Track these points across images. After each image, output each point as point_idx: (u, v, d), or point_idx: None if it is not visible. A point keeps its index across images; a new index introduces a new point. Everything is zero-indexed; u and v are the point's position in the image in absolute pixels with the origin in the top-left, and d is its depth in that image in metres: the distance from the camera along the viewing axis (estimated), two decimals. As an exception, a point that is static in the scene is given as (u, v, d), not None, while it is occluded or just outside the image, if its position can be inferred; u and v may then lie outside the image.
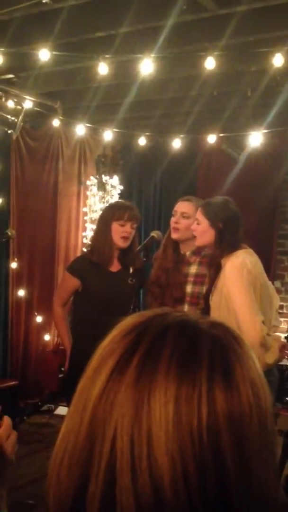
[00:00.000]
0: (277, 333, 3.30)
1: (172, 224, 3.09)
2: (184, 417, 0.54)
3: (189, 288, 3.04)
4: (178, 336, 0.59)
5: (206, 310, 2.88)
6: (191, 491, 0.53)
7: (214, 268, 2.79)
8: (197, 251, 3.08)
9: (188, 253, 3.10)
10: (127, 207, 3.22)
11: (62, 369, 3.89)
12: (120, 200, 4.99)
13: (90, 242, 3.32)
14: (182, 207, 3.09)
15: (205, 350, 0.57)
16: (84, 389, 0.60)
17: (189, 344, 0.58)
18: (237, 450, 0.54)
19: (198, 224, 2.79)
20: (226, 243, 2.70)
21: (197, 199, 3.19)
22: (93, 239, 3.29)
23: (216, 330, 0.61)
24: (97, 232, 3.26)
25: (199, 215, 2.79)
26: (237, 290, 2.57)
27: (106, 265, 3.11)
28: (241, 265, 2.59)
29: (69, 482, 0.58)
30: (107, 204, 3.49)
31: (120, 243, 3.08)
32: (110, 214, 3.16)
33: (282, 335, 3.94)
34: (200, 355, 0.57)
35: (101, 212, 3.44)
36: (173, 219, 3.10)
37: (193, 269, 3.07)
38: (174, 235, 3.07)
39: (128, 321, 0.63)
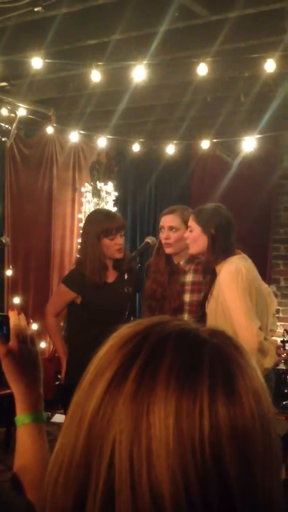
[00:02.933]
0: (274, 338, 3.30)
1: (163, 240, 3.05)
2: (185, 431, 0.52)
3: (187, 297, 3.02)
4: (178, 346, 0.57)
5: (202, 317, 2.88)
6: (193, 506, 0.51)
7: (209, 274, 2.79)
8: (191, 259, 3.07)
9: (182, 263, 3.08)
10: (112, 218, 3.07)
11: (59, 376, 3.87)
12: (100, 209, 4.83)
13: (79, 257, 3.16)
14: (168, 221, 3.06)
15: (206, 361, 0.56)
16: (80, 403, 0.58)
17: (190, 354, 0.56)
18: (240, 462, 0.53)
19: (190, 231, 2.79)
20: (219, 248, 2.69)
21: (181, 208, 3.16)
22: (82, 255, 3.12)
23: (217, 339, 0.59)
24: (85, 248, 3.09)
25: (191, 222, 2.79)
26: (233, 297, 2.57)
27: (100, 279, 3.04)
28: (235, 271, 2.59)
29: (66, 500, 0.56)
30: (89, 217, 3.26)
31: (116, 254, 3.02)
32: (96, 230, 2.99)
33: (279, 339, 3.94)
34: (201, 366, 0.55)
35: (84, 225, 3.24)
36: (162, 235, 3.06)
37: (189, 278, 3.05)
38: (168, 251, 3.04)
39: (125, 331, 0.60)
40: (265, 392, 0.58)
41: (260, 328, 2.57)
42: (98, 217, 3.14)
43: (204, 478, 0.51)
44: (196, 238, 2.76)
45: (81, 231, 3.97)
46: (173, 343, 0.57)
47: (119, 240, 3.02)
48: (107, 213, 3.25)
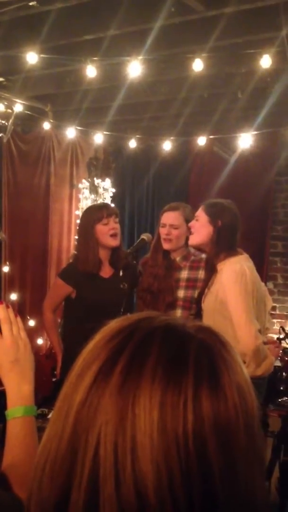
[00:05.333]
0: (270, 335, 3.30)
1: (163, 236, 3.06)
2: (169, 424, 0.53)
3: (181, 293, 3.03)
4: (164, 341, 0.57)
5: (198, 312, 2.88)
6: (176, 499, 0.52)
7: (209, 269, 2.78)
8: (187, 256, 3.09)
9: (178, 259, 3.10)
10: (103, 205, 3.22)
11: (56, 372, 3.88)
12: (94, 204, 4.95)
13: (75, 253, 3.23)
14: (170, 219, 3.07)
15: (192, 355, 0.56)
16: (67, 395, 0.59)
17: (176, 349, 0.57)
18: (223, 455, 0.53)
19: (197, 220, 2.79)
20: (223, 242, 2.68)
21: (182, 206, 3.18)
22: (78, 249, 3.21)
23: (204, 334, 0.60)
24: (79, 242, 3.18)
25: (200, 212, 2.78)
26: (235, 298, 2.57)
27: (94, 273, 3.06)
28: (240, 271, 2.58)
29: (51, 491, 0.56)
30: (83, 211, 3.40)
31: (111, 242, 3.03)
32: (88, 219, 3.08)
33: (275, 336, 3.94)
34: (187, 360, 0.56)
35: (80, 220, 3.36)
36: (163, 231, 3.07)
37: (184, 274, 3.06)
38: (167, 246, 3.06)
39: (112, 325, 0.62)
40: (250, 388, 0.59)
41: (259, 330, 2.57)
42: (90, 209, 3.29)
43: (187, 470, 0.52)
44: (200, 228, 2.75)
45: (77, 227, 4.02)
46: (160, 338, 0.58)
47: (113, 224, 3.04)
48: (97, 204, 3.36)
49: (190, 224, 2.84)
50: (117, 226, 3.07)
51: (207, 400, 0.54)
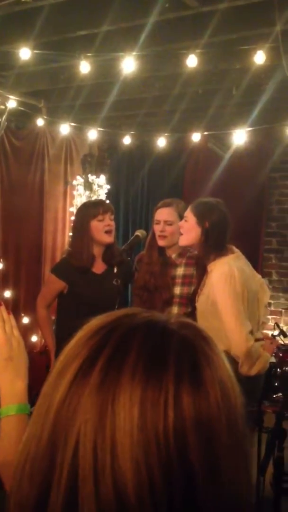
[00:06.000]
0: (265, 331, 3.31)
1: (158, 233, 3.06)
2: (149, 421, 0.52)
3: (177, 290, 3.04)
4: (145, 338, 0.57)
5: (193, 311, 2.88)
6: (156, 497, 0.51)
7: (200, 270, 2.78)
8: (183, 253, 3.09)
9: (174, 256, 3.10)
10: (99, 202, 3.25)
11: (50, 369, 3.87)
12: (89, 200, 4.96)
13: (69, 248, 3.23)
14: (164, 215, 3.07)
15: (173, 352, 0.56)
16: (47, 394, 0.58)
17: (157, 345, 0.56)
18: (204, 452, 0.53)
19: (185, 221, 2.78)
20: (211, 243, 2.68)
21: (176, 201, 3.18)
22: (71, 244, 3.22)
23: (186, 330, 0.59)
24: (73, 237, 3.19)
25: (188, 213, 2.78)
26: (224, 300, 2.57)
27: (88, 268, 3.07)
28: (228, 273, 2.58)
29: (31, 490, 0.56)
30: (79, 207, 3.42)
31: (105, 238, 3.04)
32: (84, 215, 3.09)
33: (270, 332, 3.95)
34: (168, 357, 0.55)
35: (75, 216, 3.37)
36: (157, 227, 3.07)
37: (180, 271, 3.07)
38: (162, 243, 3.06)
39: (94, 323, 0.61)
40: (233, 384, 0.58)
41: (251, 332, 2.58)
42: (86, 204, 3.32)
43: (167, 468, 0.51)
44: (189, 229, 2.75)
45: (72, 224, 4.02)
46: (141, 334, 0.57)
47: (108, 221, 3.05)
48: (93, 201, 3.36)
49: (180, 224, 2.84)
50: (112, 223, 3.08)
51: (188, 396, 0.53)
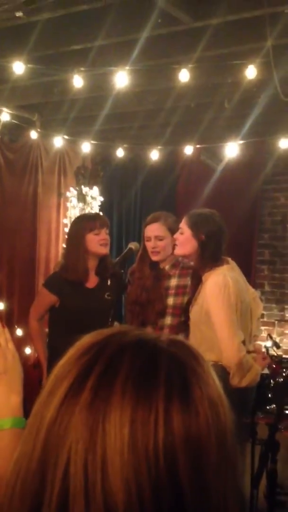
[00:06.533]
0: (258, 342, 3.31)
1: (150, 249, 3.06)
2: (140, 440, 0.52)
3: (170, 301, 3.03)
4: (135, 356, 0.57)
5: (186, 321, 2.88)
6: None
7: (195, 279, 2.79)
8: (176, 264, 3.09)
9: (167, 267, 3.10)
10: (95, 216, 3.26)
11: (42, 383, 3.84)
12: (84, 213, 4.94)
13: (63, 261, 3.21)
14: (154, 231, 3.07)
15: (163, 370, 0.56)
16: (38, 412, 0.58)
17: (146, 364, 0.56)
18: (194, 471, 0.53)
19: (181, 233, 2.79)
20: (208, 256, 2.68)
21: (164, 215, 3.18)
22: (66, 256, 3.20)
23: (175, 348, 0.59)
24: (69, 249, 3.17)
25: (183, 225, 2.78)
26: (218, 310, 2.57)
27: (82, 282, 3.06)
28: (223, 284, 2.58)
29: (22, 508, 0.56)
30: (74, 219, 3.41)
31: (101, 250, 3.05)
32: (80, 228, 3.09)
33: (262, 344, 3.95)
34: (158, 375, 0.55)
35: (70, 228, 3.37)
36: (149, 244, 3.07)
37: (173, 282, 3.07)
38: (156, 258, 3.06)
39: (84, 341, 0.61)
40: (223, 401, 0.59)
41: (243, 342, 2.58)
42: (82, 217, 3.35)
43: (157, 487, 0.51)
44: (185, 241, 2.76)
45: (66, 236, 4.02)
46: (131, 353, 0.57)
47: (104, 235, 3.06)
48: (90, 214, 3.36)
49: (175, 236, 2.85)
50: (108, 237, 3.09)
51: (178, 415, 0.53)
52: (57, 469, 0.53)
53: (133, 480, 0.51)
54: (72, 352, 0.61)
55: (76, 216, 5.59)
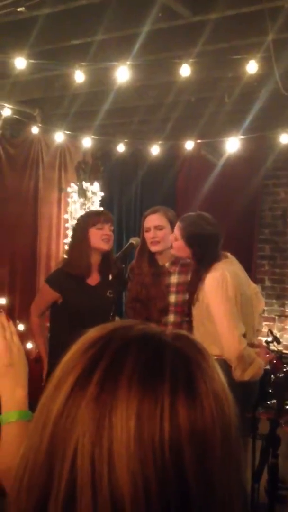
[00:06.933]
0: (259, 338, 3.32)
1: (149, 240, 3.04)
2: (146, 433, 0.53)
3: (172, 298, 3.03)
4: (141, 350, 0.57)
5: (189, 319, 2.89)
6: (152, 508, 0.52)
7: (195, 278, 2.80)
8: (176, 261, 3.08)
9: (167, 264, 3.09)
10: (101, 212, 3.28)
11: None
12: (91, 210, 4.99)
13: (67, 255, 3.23)
14: (153, 220, 3.07)
15: (168, 364, 0.56)
16: (45, 406, 0.59)
17: (152, 358, 0.57)
18: (199, 464, 0.54)
19: (175, 239, 2.80)
20: (204, 261, 2.71)
21: (163, 208, 3.18)
22: (69, 251, 3.22)
23: (180, 342, 0.60)
24: (73, 243, 3.19)
25: (177, 231, 2.80)
26: (217, 304, 2.58)
27: (84, 277, 3.06)
28: (221, 278, 2.60)
29: (29, 501, 0.56)
30: (80, 215, 3.46)
31: (103, 245, 3.05)
32: (85, 222, 3.12)
33: (263, 339, 3.96)
34: (163, 369, 0.56)
35: (75, 223, 3.41)
36: (148, 235, 3.06)
37: (174, 279, 3.06)
38: (155, 248, 3.04)
39: (89, 335, 0.62)
40: (227, 395, 0.59)
41: (244, 335, 2.58)
42: (88, 212, 3.43)
43: (163, 479, 0.52)
44: (180, 248, 2.80)
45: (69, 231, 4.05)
46: (136, 347, 0.58)
47: (107, 230, 3.07)
48: (96, 210, 3.41)
49: (171, 238, 2.86)
50: (111, 234, 3.09)
51: (184, 408, 0.54)
52: (65, 462, 0.54)
53: (139, 473, 0.52)
54: (77, 346, 0.61)
55: (76, 211, 5.62)
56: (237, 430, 0.59)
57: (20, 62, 3.40)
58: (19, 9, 3.00)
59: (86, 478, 0.53)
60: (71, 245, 3.23)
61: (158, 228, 3.04)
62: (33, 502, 0.56)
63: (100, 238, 3.03)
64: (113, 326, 0.62)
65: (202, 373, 0.57)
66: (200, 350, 0.61)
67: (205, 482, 0.54)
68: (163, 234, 3.03)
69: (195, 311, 2.75)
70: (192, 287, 2.79)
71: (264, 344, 3.47)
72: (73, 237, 3.26)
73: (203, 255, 2.70)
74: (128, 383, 0.55)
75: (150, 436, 0.53)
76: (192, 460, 0.53)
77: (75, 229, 3.24)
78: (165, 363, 0.57)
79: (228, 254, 2.80)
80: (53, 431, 0.56)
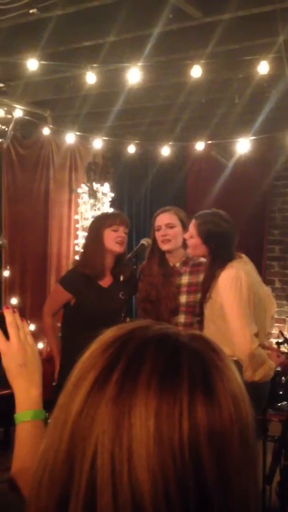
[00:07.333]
0: (270, 340, 3.31)
1: (160, 238, 3.04)
2: (165, 432, 0.53)
3: (183, 298, 3.02)
4: (159, 350, 0.58)
5: (201, 319, 2.88)
6: (172, 507, 0.52)
7: (209, 277, 2.79)
8: (187, 261, 3.07)
9: (178, 265, 3.08)
10: (117, 214, 3.24)
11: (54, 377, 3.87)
12: (109, 210, 5.01)
13: (82, 255, 3.25)
14: (164, 219, 3.07)
15: (186, 364, 0.57)
16: (64, 405, 0.59)
17: (170, 358, 0.57)
18: (217, 464, 0.54)
19: (191, 237, 2.79)
20: (220, 259, 2.70)
21: (174, 208, 3.18)
22: (85, 250, 3.23)
23: (197, 343, 0.60)
24: (88, 243, 3.20)
25: (192, 229, 2.78)
26: (230, 302, 2.57)
27: (98, 277, 3.07)
28: (235, 276, 2.59)
29: (49, 500, 0.57)
30: (96, 215, 3.47)
31: (116, 248, 3.05)
32: (100, 223, 3.12)
33: (273, 341, 3.95)
34: (181, 369, 0.56)
35: (91, 223, 3.42)
36: (159, 233, 3.05)
37: (185, 280, 3.05)
38: (166, 247, 3.03)
39: (107, 335, 0.62)
40: (244, 396, 0.60)
41: (256, 335, 2.57)
42: (104, 213, 3.44)
43: (182, 479, 0.52)
44: (196, 246, 2.78)
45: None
46: (154, 347, 0.58)
47: (122, 233, 3.07)
48: (113, 211, 3.43)
49: (185, 237, 2.85)
50: (125, 236, 3.09)
51: (202, 408, 0.54)
52: (84, 461, 0.55)
53: (159, 472, 0.52)
54: (95, 346, 0.62)
55: (87, 212, 5.64)
56: (254, 432, 0.60)
57: (32, 64, 3.43)
58: (31, 11, 3.02)
59: (106, 477, 0.53)
60: (86, 244, 3.26)
61: (169, 226, 3.03)
62: (54, 500, 0.56)
63: (114, 240, 3.04)
64: (131, 327, 0.63)
65: (219, 373, 0.58)
66: (217, 351, 0.61)
67: (223, 482, 0.54)
68: (174, 232, 3.02)
69: (207, 309, 2.74)
70: (206, 285, 2.77)
71: (275, 346, 3.46)
72: (88, 236, 3.28)
73: (219, 253, 2.69)
74: (147, 382, 0.55)
75: (169, 436, 0.53)
76: (211, 459, 0.53)
77: (91, 228, 3.25)
78: (183, 363, 0.57)
79: (242, 254, 2.79)
80: (72, 430, 0.57)
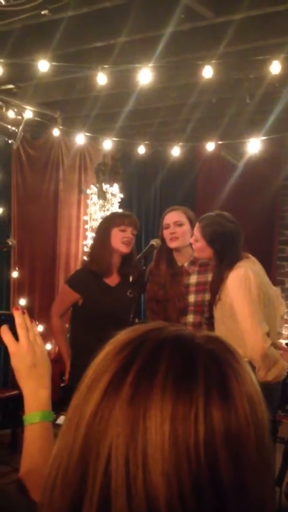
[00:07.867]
0: (280, 340, 3.29)
1: (168, 236, 3.03)
2: (180, 436, 0.52)
3: (192, 298, 3.02)
4: (174, 352, 0.57)
5: (210, 320, 2.87)
6: (187, 510, 0.52)
7: (218, 278, 2.78)
8: (195, 261, 3.07)
9: (186, 264, 3.08)
10: (127, 214, 3.24)
11: (64, 377, 3.88)
12: (119, 210, 5.02)
13: (89, 251, 3.29)
14: (173, 217, 3.07)
15: (201, 366, 0.56)
16: (78, 407, 0.59)
17: (185, 360, 0.57)
18: (234, 467, 0.53)
19: (196, 240, 2.79)
20: (226, 261, 2.70)
21: (183, 207, 3.18)
22: (92, 247, 3.28)
23: (212, 344, 0.60)
24: (96, 241, 3.24)
25: (197, 233, 2.78)
26: (240, 302, 2.57)
27: (105, 275, 3.07)
28: (244, 276, 2.58)
29: (62, 503, 0.56)
30: (107, 214, 3.48)
31: (122, 248, 3.05)
32: (109, 222, 3.15)
33: (284, 342, 3.93)
34: (196, 371, 0.56)
35: (101, 221, 3.46)
36: (167, 231, 3.05)
37: (193, 279, 3.05)
38: (174, 244, 3.03)
39: (122, 337, 0.61)
40: (260, 398, 0.59)
41: (268, 334, 2.56)
42: (115, 212, 3.47)
43: (198, 482, 0.52)
44: (201, 249, 2.78)
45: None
46: (169, 349, 0.58)
47: (129, 234, 3.07)
48: (123, 211, 3.48)
49: (191, 241, 2.85)
50: (133, 238, 3.10)
51: (218, 411, 0.54)
52: (99, 464, 0.54)
53: (174, 476, 0.52)
54: (109, 348, 0.61)
55: (96, 213, 5.65)
56: (270, 434, 0.59)
57: (43, 65, 3.43)
58: (42, 12, 3.03)
59: (120, 480, 0.52)
60: (94, 242, 3.29)
61: (177, 224, 3.03)
62: (67, 503, 0.56)
63: (121, 240, 3.04)
64: (145, 328, 0.62)
65: (235, 375, 0.57)
66: (233, 352, 0.60)
67: (239, 486, 0.53)
68: (182, 230, 3.02)
69: (217, 311, 2.73)
70: (214, 287, 2.77)
71: (286, 346, 3.44)
72: (96, 233, 3.31)
73: (225, 254, 2.69)
74: (162, 385, 0.54)
75: (185, 439, 0.52)
76: (227, 462, 0.53)
77: (99, 226, 3.27)
78: (198, 365, 0.56)
79: (249, 255, 2.79)
80: (86, 432, 0.56)
